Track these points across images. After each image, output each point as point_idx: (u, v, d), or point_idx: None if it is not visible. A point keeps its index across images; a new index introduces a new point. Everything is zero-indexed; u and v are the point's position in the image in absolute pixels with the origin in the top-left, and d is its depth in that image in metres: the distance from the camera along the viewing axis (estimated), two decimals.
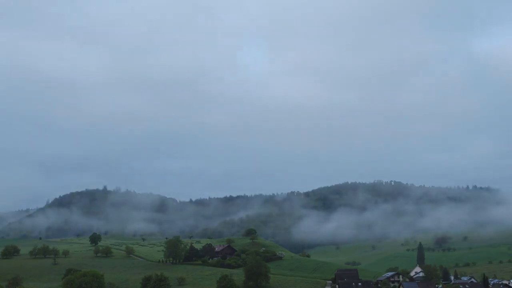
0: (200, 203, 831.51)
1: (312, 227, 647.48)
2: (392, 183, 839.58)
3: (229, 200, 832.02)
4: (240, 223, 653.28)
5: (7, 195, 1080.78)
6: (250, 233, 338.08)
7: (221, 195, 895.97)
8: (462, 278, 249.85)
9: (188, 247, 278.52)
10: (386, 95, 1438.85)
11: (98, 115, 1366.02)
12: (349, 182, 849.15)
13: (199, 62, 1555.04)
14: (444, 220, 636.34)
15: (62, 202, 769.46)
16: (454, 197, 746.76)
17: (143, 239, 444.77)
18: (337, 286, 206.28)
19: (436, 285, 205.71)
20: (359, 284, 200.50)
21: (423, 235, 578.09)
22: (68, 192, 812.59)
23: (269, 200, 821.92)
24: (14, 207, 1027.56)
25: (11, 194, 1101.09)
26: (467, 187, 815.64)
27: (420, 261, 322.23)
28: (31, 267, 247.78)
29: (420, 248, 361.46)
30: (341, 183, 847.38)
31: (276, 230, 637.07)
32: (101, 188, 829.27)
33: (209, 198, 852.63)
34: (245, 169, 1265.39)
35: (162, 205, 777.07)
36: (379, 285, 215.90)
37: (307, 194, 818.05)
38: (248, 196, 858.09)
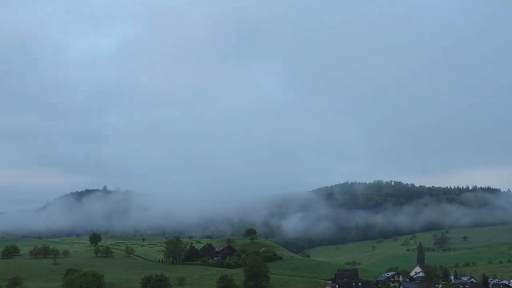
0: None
1: (311, 227, 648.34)
2: (392, 183, 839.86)
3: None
4: (240, 223, 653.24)
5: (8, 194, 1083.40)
6: (250, 233, 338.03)
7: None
8: (462, 278, 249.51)
9: (188, 247, 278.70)
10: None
11: None
12: (349, 182, 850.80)
13: None
14: (444, 220, 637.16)
15: (62, 202, 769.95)
16: (454, 198, 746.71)
17: (143, 239, 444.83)
18: (337, 286, 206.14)
19: (436, 285, 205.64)
20: (359, 284, 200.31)
21: (423, 235, 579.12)
22: (68, 192, 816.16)
23: (269, 200, 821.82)
24: (14, 207, 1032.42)
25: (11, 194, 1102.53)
26: (467, 187, 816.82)
27: (420, 261, 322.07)
28: (31, 267, 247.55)
29: (420, 248, 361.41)
30: (341, 183, 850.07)
31: (275, 230, 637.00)
32: (101, 188, 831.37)
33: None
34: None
35: (161, 205, 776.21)
36: (379, 285, 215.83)
37: (306, 195, 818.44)
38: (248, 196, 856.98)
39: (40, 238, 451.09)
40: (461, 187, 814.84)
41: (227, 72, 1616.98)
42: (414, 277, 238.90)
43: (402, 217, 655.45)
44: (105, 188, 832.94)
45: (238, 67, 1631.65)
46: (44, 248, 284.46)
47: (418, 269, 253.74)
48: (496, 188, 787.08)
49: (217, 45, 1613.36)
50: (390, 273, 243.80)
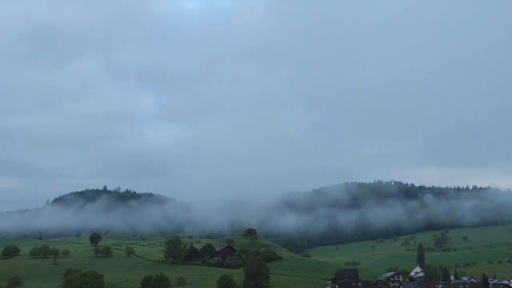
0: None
1: (311, 227, 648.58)
2: (392, 183, 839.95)
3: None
4: (240, 223, 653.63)
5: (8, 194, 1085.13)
6: (250, 233, 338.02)
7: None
8: (462, 278, 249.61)
9: (188, 247, 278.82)
10: None
11: None
12: (349, 182, 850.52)
13: None
14: (444, 220, 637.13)
15: (62, 202, 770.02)
16: (454, 197, 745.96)
17: (143, 239, 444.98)
18: (337, 286, 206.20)
19: (436, 285, 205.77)
20: (359, 284, 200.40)
21: (423, 235, 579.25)
22: (68, 192, 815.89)
23: (269, 200, 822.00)
24: (14, 207, 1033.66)
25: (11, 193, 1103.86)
26: (467, 187, 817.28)
27: (420, 261, 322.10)
28: (31, 267, 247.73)
29: (420, 248, 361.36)
30: (341, 183, 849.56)
31: (275, 230, 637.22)
32: (101, 188, 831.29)
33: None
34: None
35: (161, 205, 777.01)
36: (379, 285, 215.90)
37: (306, 195, 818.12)
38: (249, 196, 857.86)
39: (40, 238, 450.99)
40: (461, 187, 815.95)
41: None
42: (414, 277, 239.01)
43: (402, 217, 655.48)
44: (105, 188, 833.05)
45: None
46: (44, 248, 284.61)
47: (418, 269, 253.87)
48: (496, 188, 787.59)
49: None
50: (390, 273, 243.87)
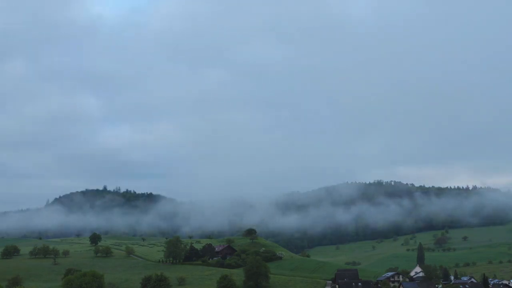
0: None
1: (311, 226, 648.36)
2: (393, 183, 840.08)
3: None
4: (240, 223, 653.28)
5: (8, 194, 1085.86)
6: (250, 233, 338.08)
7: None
8: (462, 278, 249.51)
9: (188, 247, 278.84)
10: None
11: None
12: (349, 182, 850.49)
13: None
14: (444, 220, 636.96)
15: (62, 202, 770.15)
16: (454, 197, 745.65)
17: (143, 239, 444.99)
18: (337, 286, 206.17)
19: (436, 285, 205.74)
20: (359, 284, 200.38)
21: (423, 235, 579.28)
22: (68, 192, 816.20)
23: (269, 200, 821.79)
24: (14, 206, 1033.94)
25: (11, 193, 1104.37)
26: (467, 187, 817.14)
27: (420, 261, 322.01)
28: (31, 267, 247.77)
29: (420, 248, 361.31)
30: (341, 183, 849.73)
31: (275, 230, 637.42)
32: (101, 188, 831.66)
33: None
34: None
35: (161, 205, 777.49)
36: (379, 285, 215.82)
37: (306, 195, 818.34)
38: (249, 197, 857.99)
39: (40, 238, 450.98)
40: (461, 187, 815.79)
41: None
42: (414, 277, 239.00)
43: (402, 217, 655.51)
44: (105, 188, 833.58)
45: None
46: (44, 248, 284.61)
47: (418, 269, 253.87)
48: (496, 188, 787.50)
49: None
50: (390, 273, 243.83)
